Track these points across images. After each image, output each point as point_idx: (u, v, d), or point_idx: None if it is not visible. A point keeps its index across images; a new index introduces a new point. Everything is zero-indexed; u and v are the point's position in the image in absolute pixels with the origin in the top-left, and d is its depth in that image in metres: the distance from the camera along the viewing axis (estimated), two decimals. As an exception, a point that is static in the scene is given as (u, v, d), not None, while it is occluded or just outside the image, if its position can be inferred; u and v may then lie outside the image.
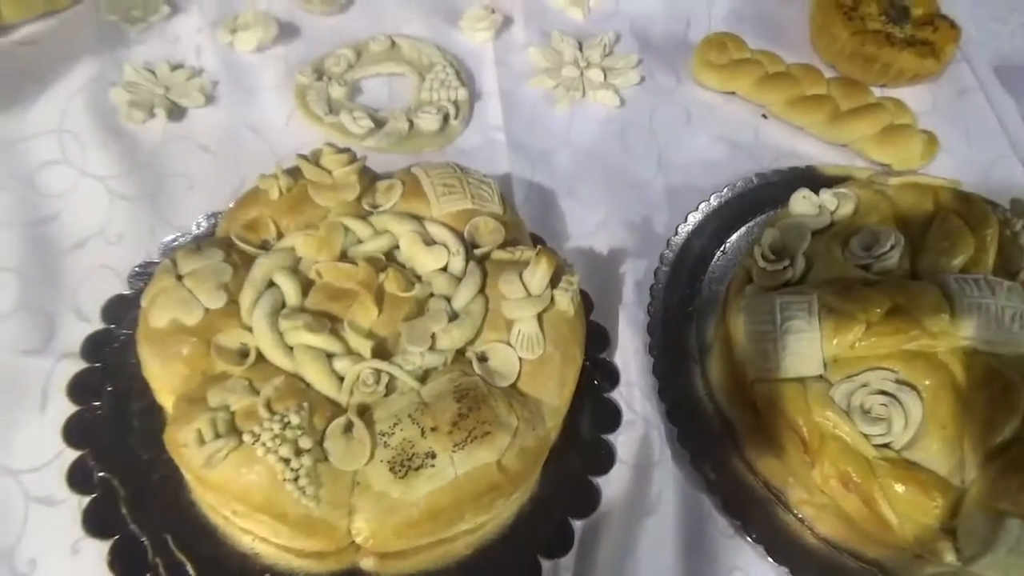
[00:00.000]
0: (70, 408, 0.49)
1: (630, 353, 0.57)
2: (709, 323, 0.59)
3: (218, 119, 0.66)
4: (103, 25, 0.70)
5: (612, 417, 0.53)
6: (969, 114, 0.77)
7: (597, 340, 0.56)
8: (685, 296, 0.60)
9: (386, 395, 0.45)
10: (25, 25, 0.69)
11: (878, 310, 0.51)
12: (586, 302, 0.57)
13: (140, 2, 0.71)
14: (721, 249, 0.62)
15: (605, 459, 0.51)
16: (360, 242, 0.50)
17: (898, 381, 0.50)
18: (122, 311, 0.53)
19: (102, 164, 0.61)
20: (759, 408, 0.52)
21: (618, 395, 0.54)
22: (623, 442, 0.52)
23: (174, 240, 0.57)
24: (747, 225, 0.64)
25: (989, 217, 0.57)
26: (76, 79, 0.66)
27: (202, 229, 0.58)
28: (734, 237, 0.64)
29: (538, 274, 0.47)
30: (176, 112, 0.65)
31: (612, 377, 0.55)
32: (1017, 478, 0.46)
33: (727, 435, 0.54)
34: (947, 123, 0.75)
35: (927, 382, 0.50)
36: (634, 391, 0.55)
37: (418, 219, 0.51)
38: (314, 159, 0.52)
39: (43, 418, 0.49)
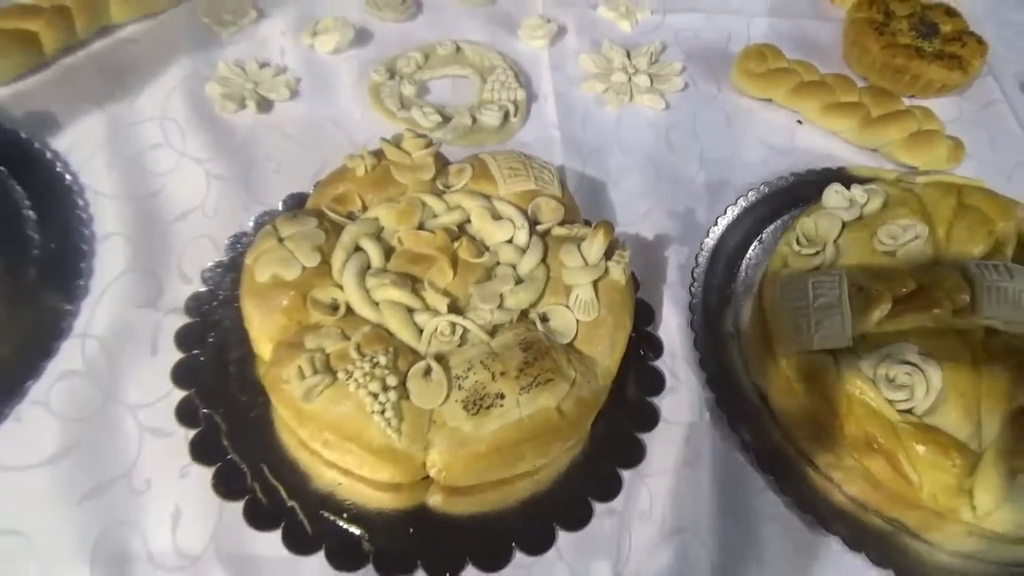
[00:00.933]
0: (177, 355, 0.55)
1: (673, 328, 0.62)
2: (746, 303, 0.64)
3: (301, 112, 0.73)
4: (197, 27, 0.78)
5: (657, 382, 0.58)
6: (994, 124, 0.82)
7: (643, 315, 0.62)
8: (724, 279, 0.65)
9: (460, 345, 0.50)
10: (129, 25, 0.77)
11: (903, 289, 0.56)
12: (633, 281, 0.62)
13: (231, 7, 0.79)
14: (758, 239, 0.68)
15: (650, 418, 0.57)
16: (436, 216, 0.56)
17: (921, 353, 0.54)
18: (219, 275, 0.60)
19: (199, 148, 0.68)
20: (792, 378, 0.57)
21: (662, 364, 0.59)
22: (667, 405, 0.57)
23: (263, 215, 0.63)
24: (782, 218, 0.69)
25: (1010, 211, 0.62)
26: (175, 73, 0.74)
27: (286, 206, 0.64)
28: (770, 228, 0.69)
29: (595, 245, 0.53)
30: (264, 104, 0.72)
31: (657, 348, 0.60)
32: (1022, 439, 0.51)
33: (762, 403, 0.59)
34: (973, 131, 0.79)
35: (948, 355, 0.54)
36: (677, 361, 0.60)
37: (487, 197, 0.57)
38: (396, 142, 0.59)
39: (154, 362, 0.55)
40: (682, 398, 0.58)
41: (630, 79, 0.79)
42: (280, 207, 0.64)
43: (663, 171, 0.73)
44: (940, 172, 0.72)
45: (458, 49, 0.79)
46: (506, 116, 0.73)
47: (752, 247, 0.68)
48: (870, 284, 0.57)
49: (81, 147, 0.67)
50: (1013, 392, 0.53)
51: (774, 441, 0.57)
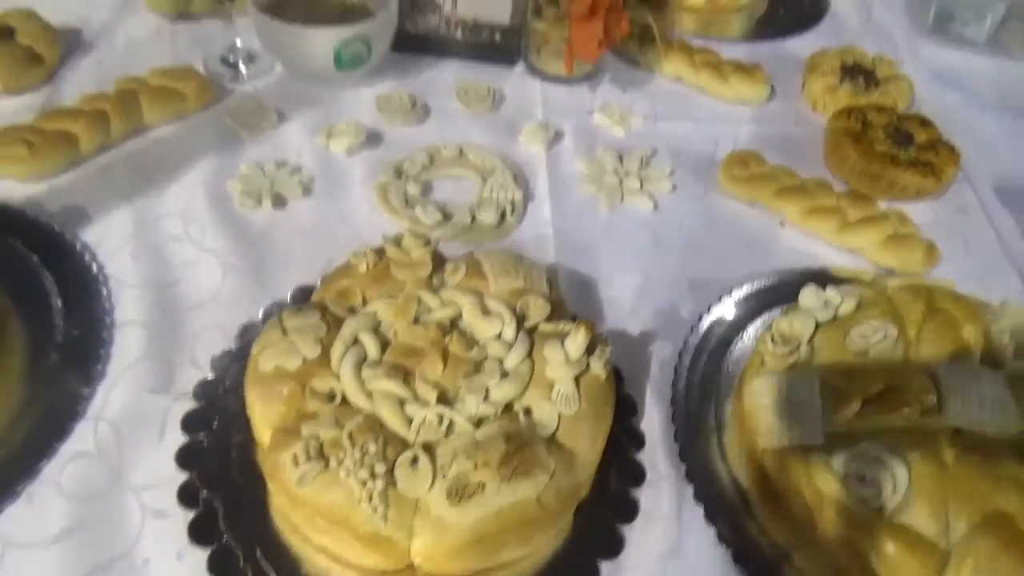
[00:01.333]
0: (182, 439, 0.59)
1: (655, 422, 0.65)
2: (727, 399, 0.67)
3: (313, 209, 0.79)
4: (222, 129, 0.85)
5: (637, 475, 0.61)
6: (969, 228, 0.86)
7: (626, 409, 0.65)
8: (706, 375, 0.68)
9: (446, 435, 0.54)
10: (161, 126, 0.84)
11: (873, 389, 0.59)
12: (618, 375, 0.66)
13: (254, 112, 0.86)
14: (740, 336, 0.71)
15: (630, 510, 0.59)
16: (430, 311, 0.60)
17: (889, 452, 0.57)
18: (227, 363, 0.64)
19: (217, 241, 0.73)
20: (768, 474, 0.59)
21: (643, 457, 0.62)
22: (646, 497, 0.60)
23: (272, 306, 0.68)
24: (763, 316, 0.73)
25: (977, 314, 0.65)
26: (199, 172, 0.80)
27: (293, 299, 0.69)
28: (752, 327, 0.72)
29: (577, 342, 0.57)
30: (279, 201, 0.78)
31: (638, 441, 0.63)
32: (988, 539, 0.52)
33: (739, 498, 0.61)
34: (948, 235, 0.83)
35: (915, 454, 0.57)
36: (657, 454, 0.62)
37: (478, 294, 0.61)
38: (396, 241, 0.63)
39: (161, 445, 0.59)
40: (662, 491, 0.60)
41: (621, 181, 0.84)
42: (288, 299, 0.69)
43: (651, 269, 0.77)
44: (915, 274, 0.75)
45: (461, 152, 0.85)
46: (503, 215, 0.78)
47: (734, 343, 0.71)
48: (842, 384, 0.60)
49: (109, 239, 0.73)
50: (979, 493, 0.55)
51: (751, 535, 0.59)
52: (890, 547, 0.53)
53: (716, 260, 0.79)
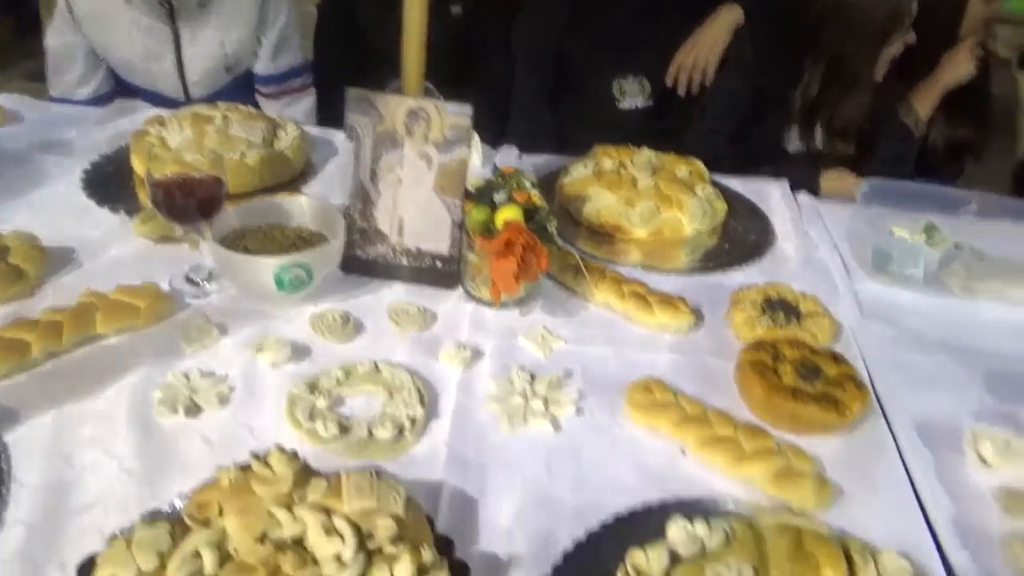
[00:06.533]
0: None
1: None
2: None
3: (225, 419, 0.83)
4: (169, 341, 0.93)
5: None
6: (880, 465, 0.85)
7: (478, 640, 0.63)
8: (569, 608, 0.67)
9: (256, 659, 0.54)
10: (113, 336, 0.93)
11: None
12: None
13: (199, 328, 0.94)
14: (606, 564, 0.70)
15: None
16: (280, 527, 0.62)
17: None
18: (90, 569, 0.66)
19: (125, 447, 0.78)
20: None
21: None
22: None
23: (149, 514, 0.71)
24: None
25: (837, 559, 0.63)
26: (132, 378, 0.87)
27: (178, 507, 0.72)
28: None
29: (403, 565, 0.58)
30: (193, 410, 0.83)
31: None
32: None
33: None
34: (856, 472, 0.83)
35: None
36: None
37: (329, 512, 0.63)
38: (264, 457, 0.67)
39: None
40: None
41: (527, 402, 0.88)
42: (171, 507, 0.71)
43: (536, 493, 0.78)
44: (803, 512, 0.74)
45: (376, 368, 0.90)
46: (401, 431, 0.82)
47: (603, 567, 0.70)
48: (681, 627, 0.58)
49: (28, 441, 0.78)
50: None
51: None
52: None
53: (607, 486, 0.79)
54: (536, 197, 1.02)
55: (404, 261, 1.08)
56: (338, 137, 1.50)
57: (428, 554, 0.60)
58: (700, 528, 0.67)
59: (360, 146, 1.03)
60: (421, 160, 1.02)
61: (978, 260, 1.24)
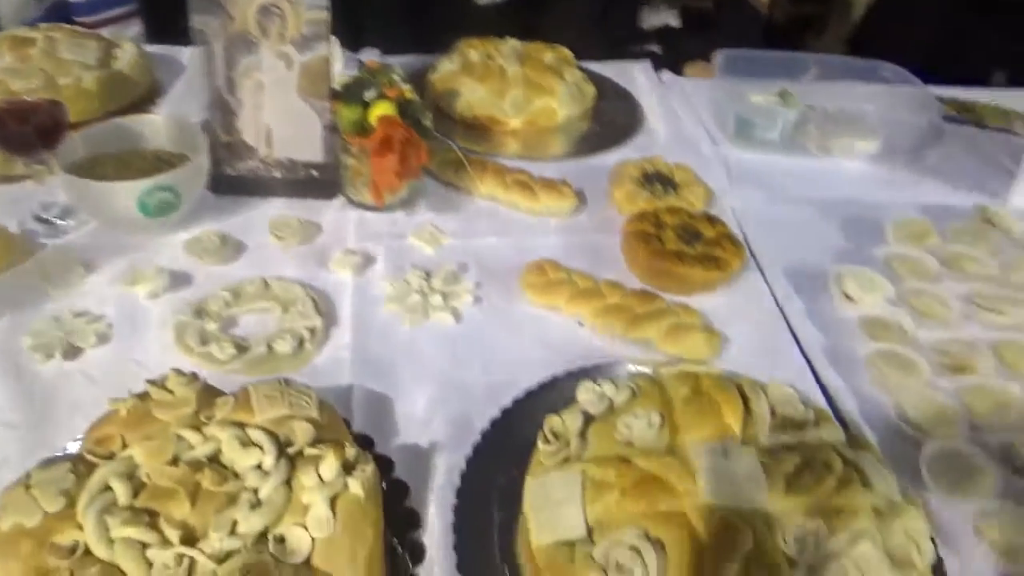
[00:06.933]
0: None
1: (437, 532, 0.65)
2: (510, 502, 0.67)
3: (108, 356, 0.79)
4: (27, 286, 0.85)
5: (415, 590, 0.60)
6: (760, 313, 0.91)
7: (410, 522, 0.65)
8: (490, 480, 0.69)
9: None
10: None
11: (631, 478, 0.61)
12: (402, 490, 0.67)
13: (61, 267, 0.87)
14: (525, 437, 0.73)
15: (404, 628, 0.58)
16: (191, 448, 0.60)
17: (646, 537, 0.58)
18: (-11, 524, 0.62)
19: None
20: (541, 570, 0.60)
21: (424, 570, 0.62)
22: (423, 612, 0.59)
23: (46, 461, 0.66)
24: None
25: (735, 395, 0.69)
26: (-1, 327, 0.80)
27: (73, 449, 0.68)
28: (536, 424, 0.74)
29: (327, 463, 0.57)
30: (71, 352, 0.78)
31: (418, 554, 0.63)
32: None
33: (522, 602, 0.61)
34: (739, 319, 0.89)
35: (671, 536, 0.58)
36: (434, 566, 0.62)
37: (241, 426, 0.62)
38: (161, 382, 0.64)
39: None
40: (439, 604, 0.60)
41: (425, 298, 0.88)
42: (67, 453, 0.67)
43: (448, 381, 0.79)
44: (698, 361, 0.80)
45: (266, 285, 0.87)
46: (301, 343, 0.80)
47: (520, 444, 0.73)
48: (602, 476, 0.62)
49: None
50: (724, 560, 0.56)
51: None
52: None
53: (515, 366, 0.81)
54: (408, 91, 0.98)
55: (278, 174, 1.03)
56: (184, 54, 1.38)
57: (352, 450, 0.60)
58: (608, 388, 0.71)
59: (211, 52, 0.95)
60: (280, 61, 0.96)
61: (827, 118, 1.33)
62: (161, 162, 0.97)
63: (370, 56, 1.36)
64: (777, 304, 0.93)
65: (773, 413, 0.68)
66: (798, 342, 0.87)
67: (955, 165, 1.26)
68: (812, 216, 1.12)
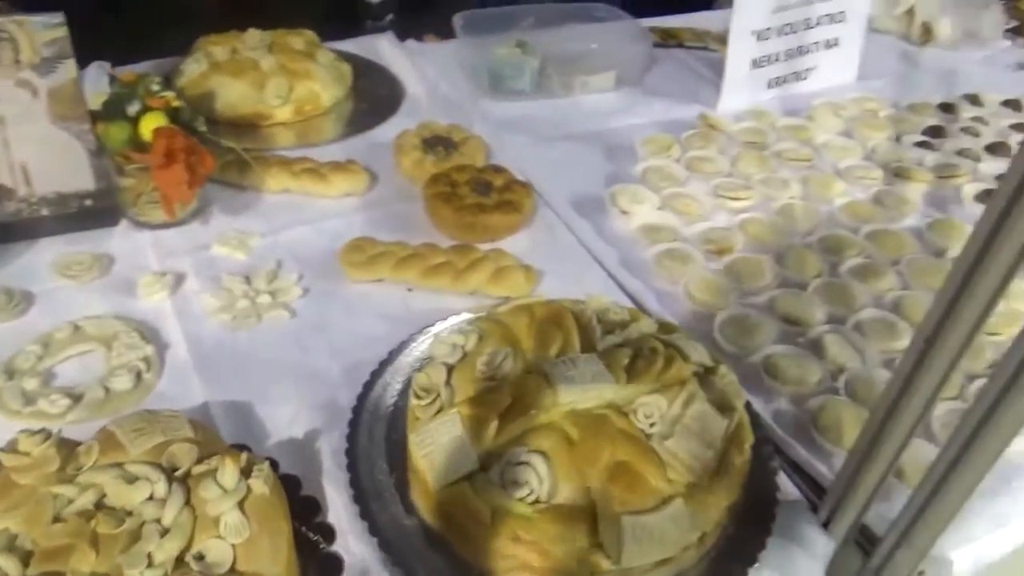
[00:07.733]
0: None
1: (340, 509, 0.68)
2: (399, 462, 0.73)
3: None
4: None
5: (335, 566, 0.64)
6: (560, 243, 1.03)
7: (311, 509, 0.68)
8: (375, 450, 0.74)
9: (118, 619, 0.52)
10: None
11: (503, 405, 0.69)
12: (293, 482, 0.69)
13: None
14: (393, 403, 0.78)
15: (338, 600, 0.62)
16: (71, 501, 0.58)
17: (529, 451, 0.67)
18: None
19: None
20: (447, 509, 0.66)
21: (339, 547, 0.65)
22: (351, 580, 0.63)
23: None
24: (408, 376, 0.80)
25: (565, 314, 0.79)
26: None
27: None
28: (399, 390, 0.80)
29: (226, 472, 0.59)
30: None
31: (328, 534, 0.66)
32: (617, 487, 0.64)
33: (435, 544, 0.67)
34: (545, 254, 0.99)
35: (549, 443, 0.67)
36: (348, 538, 0.66)
37: (119, 465, 0.60)
38: (11, 447, 0.60)
39: None
40: (362, 570, 0.64)
41: (253, 302, 0.88)
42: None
43: (301, 374, 0.81)
44: (524, 296, 0.89)
45: (76, 328, 0.82)
46: (139, 375, 0.77)
47: (391, 411, 0.78)
48: (476, 412, 0.69)
49: None
50: (601, 452, 0.67)
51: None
52: (553, 529, 0.63)
53: (359, 343, 0.85)
54: (172, 98, 0.95)
55: (46, 211, 0.95)
56: None
57: (244, 454, 0.61)
58: (457, 338, 0.77)
59: (-67, 93, 0.85)
60: (21, 89, 0.88)
61: (562, 61, 1.47)
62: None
63: (99, 72, 1.26)
64: (571, 231, 1.05)
65: (599, 321, 0.79)
66: (596, 259, 1.00)
67: (673, 83, 1.47)
68: (576, 149, 1.25)
